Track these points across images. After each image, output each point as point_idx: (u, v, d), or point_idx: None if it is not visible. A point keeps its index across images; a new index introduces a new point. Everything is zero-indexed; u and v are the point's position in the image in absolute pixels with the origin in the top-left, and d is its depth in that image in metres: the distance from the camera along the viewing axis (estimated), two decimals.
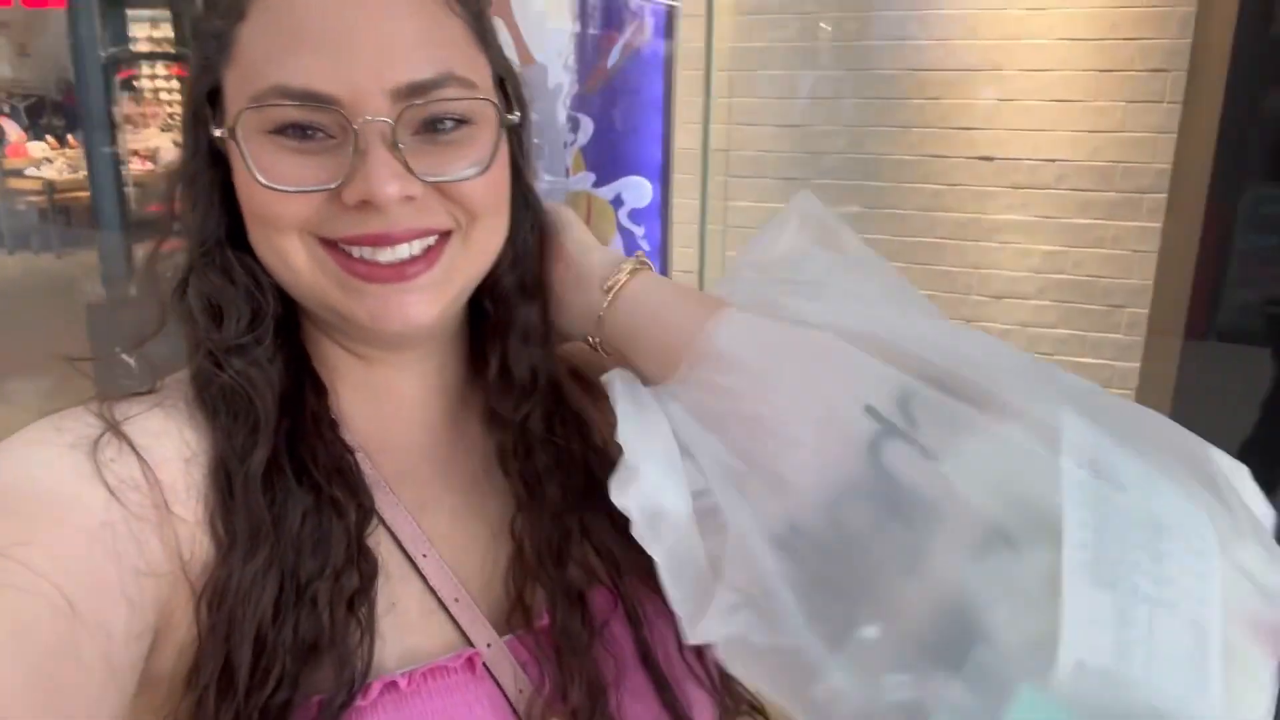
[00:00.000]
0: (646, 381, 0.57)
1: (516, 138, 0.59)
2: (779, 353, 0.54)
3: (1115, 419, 0.48)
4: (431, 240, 0.53)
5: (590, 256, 0.61)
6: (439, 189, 0.52)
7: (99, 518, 0.48)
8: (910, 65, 2.72)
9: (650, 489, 0.51)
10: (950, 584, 0.45)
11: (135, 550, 0.49)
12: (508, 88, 0.58)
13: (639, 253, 0.61)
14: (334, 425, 0.57)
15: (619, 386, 0.55)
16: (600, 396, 0.59)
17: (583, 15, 3.04)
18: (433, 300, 0.54)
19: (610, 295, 0.58)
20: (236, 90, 0.51)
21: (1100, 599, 0.42)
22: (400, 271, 0.52)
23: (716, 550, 0.50)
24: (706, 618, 0.48)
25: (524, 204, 0.60)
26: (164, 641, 0.50)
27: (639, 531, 0.50)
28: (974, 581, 0.45)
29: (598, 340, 0.60)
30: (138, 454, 0.51)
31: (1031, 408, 0.47)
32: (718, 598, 0.48)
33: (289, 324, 0.58)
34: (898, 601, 0.46)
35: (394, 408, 0.60)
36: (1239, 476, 0.47)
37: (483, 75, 0.55)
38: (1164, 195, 2.42)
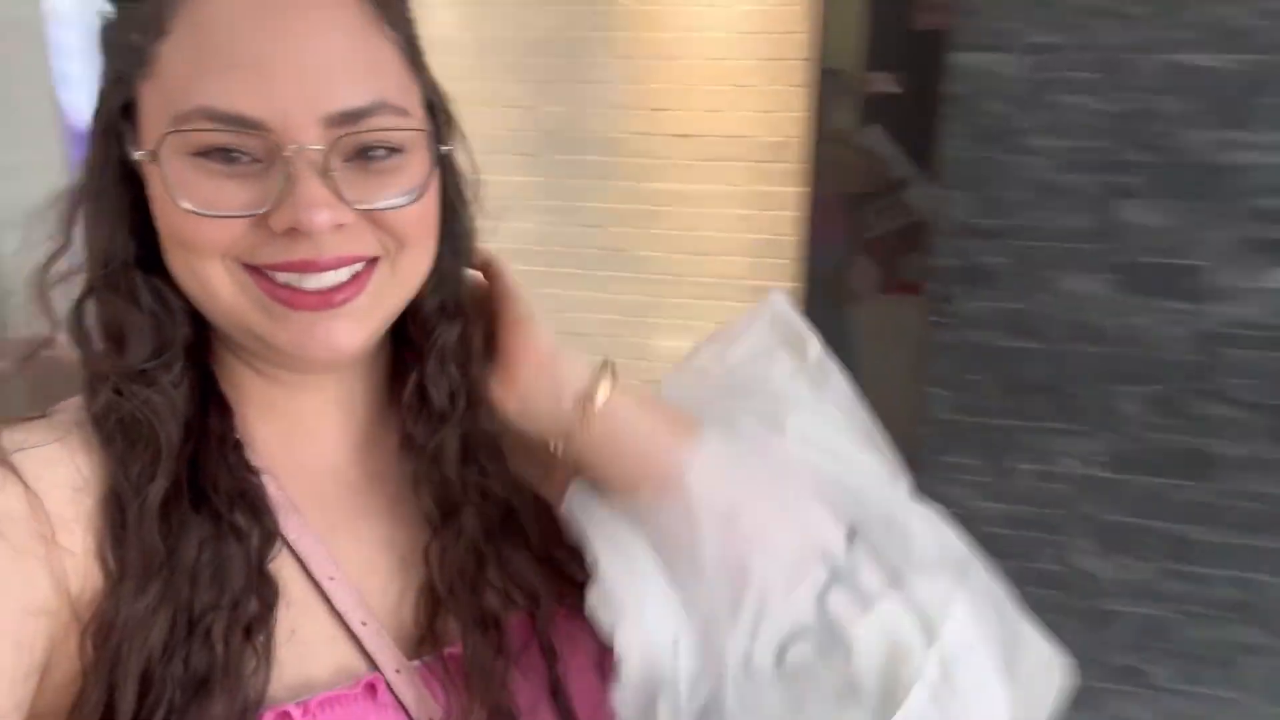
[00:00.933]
0: (605, 494, 0.56)
1: (448, 160, 0.57)
2: (744, 492, 0.55)
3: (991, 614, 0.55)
4: (359, 266, 0.52)
5: (559, 362, 0.57)
6: (370, 216, 0.51)
7: None
8: (618, 54, 3.11)
9: (647, 639, 0.54)
10: None
11: (20, 587, 0.47)
12: (438, 111, 0.56)
13: (606, 361, 0.59)
14: (239, 447, 0.56)
15: (586, 516, 0.56)
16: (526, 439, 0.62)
17: None
18: (359, 327, 0.53)
19: (584, 412, 0.56)
20: (156, 109, 0.49)
21: None
22: (327, 299, 0.51)
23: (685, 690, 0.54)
24: None
25: (452, 225, 0.58)
26: (44, 677, 0.48)
27: (628, 684, 0.53)
28: None
29: (559, 446, 0.57)
30: (23, 483, 0.49)
31: (932, 587, 0.54)
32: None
33: (197, 344, 0.56)
34: None
35: (305, 430, 0.59)
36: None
37: (415, 101, 0.53)
38: None
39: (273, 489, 0.56)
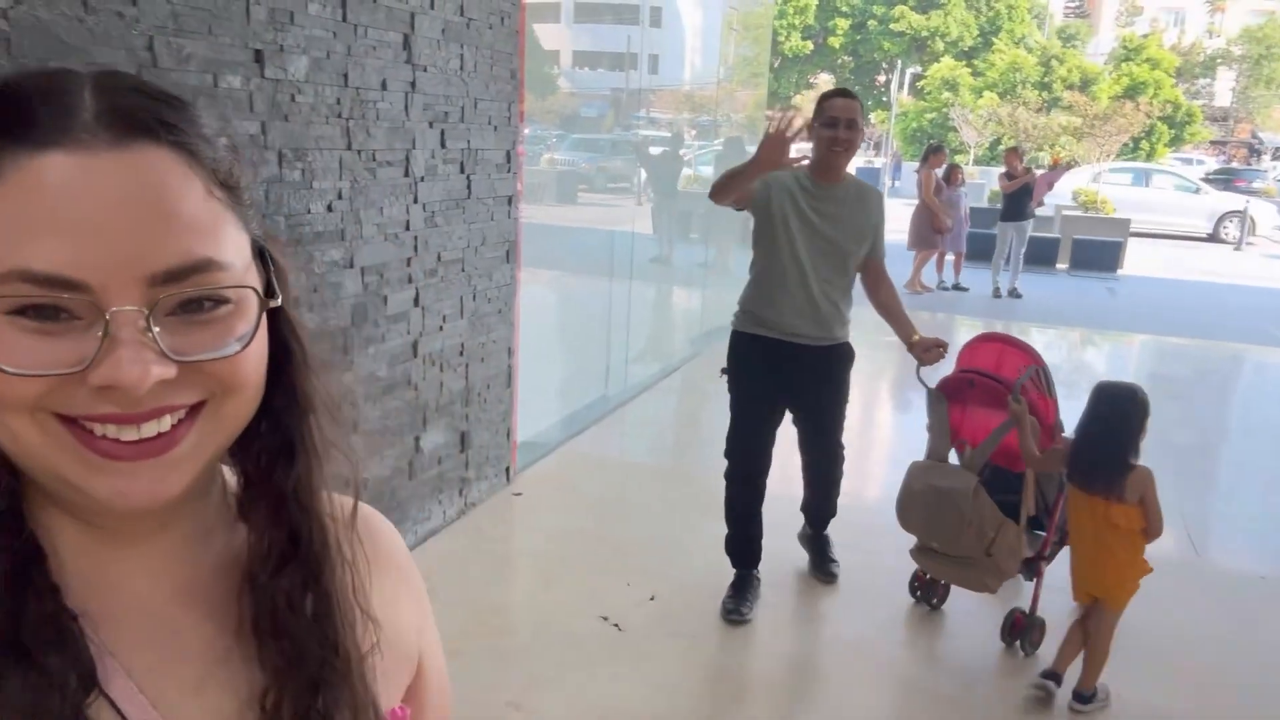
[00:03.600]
0: None
1: (280, 306, 0.57)
2: None
3: None
4: (181, 414, 0.51)
5: None
6: (194, 366, 0.50)
7: None
8: None
9: None
10: None
11: None
12: (269, 260, 0.56)
13: None
14: (55, 591, 0.53)
15: None
16: (381, 564, 0.66)
17: None
18: (182, 475, 0.52)
19: None
20: None
21: None
22: (148, 449, 0.50)
23: None
24: None
25: (284, 369, 0.58)
26: None
27: None
28: None
29: None
30: None
31: None
32: None
33: (9, 488, 0.53)
34: None
35: (122, 573, 0.57)
36: None
37: (241, 253, 0.53)
38: None
39: (91, 633, 0.54)
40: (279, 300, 0.56)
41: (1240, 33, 38.26)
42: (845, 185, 3.26)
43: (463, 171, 3.74)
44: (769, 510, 3.50)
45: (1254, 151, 37.95)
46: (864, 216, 3.26)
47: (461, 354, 3.89)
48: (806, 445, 3.53)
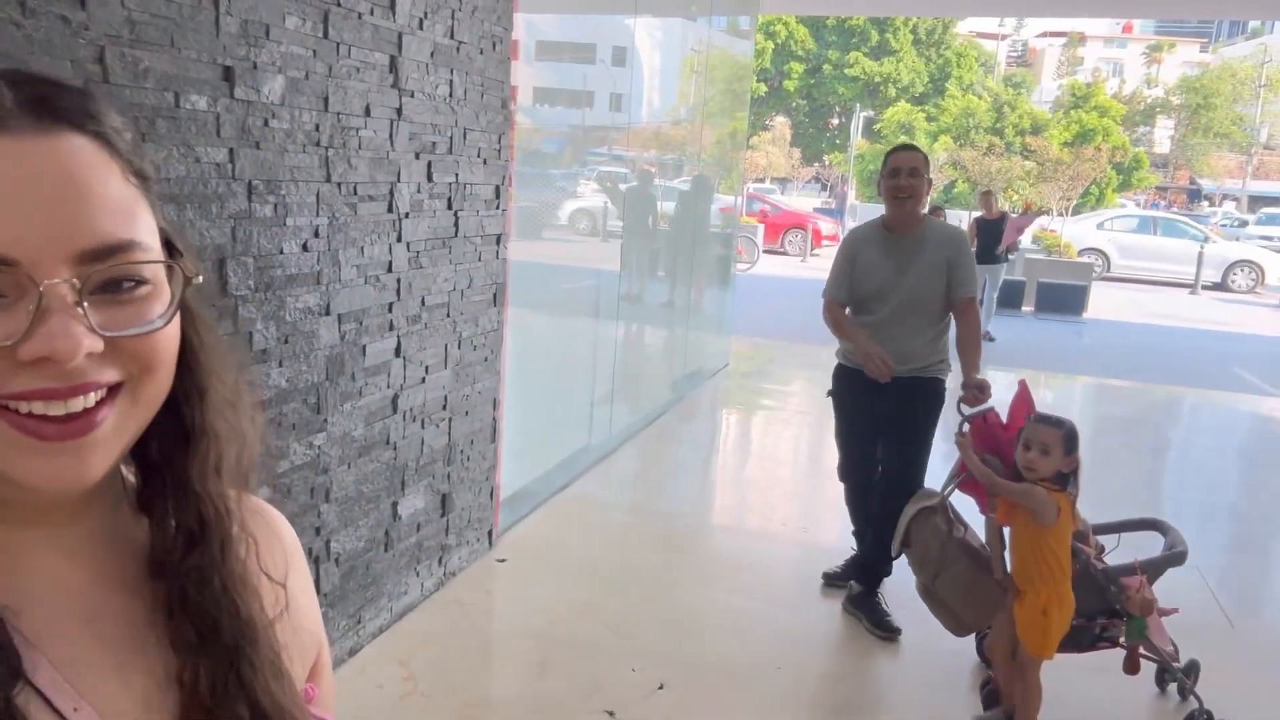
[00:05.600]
0: None
1: (186, 294, 0.58)
2: None
3: None
4: (101, 393, 0.53)
5: None
6: (117, 343, 0.52)
7: None
8: None
9: None
10: None
11: None
12: (175, 249, 0.58)
13: None
14: None
15: None
16: (271, 544, 0.68)
17: None
18: (103, 457, 0.54)
19: None
20: None
21: None
22: (74, 428, 0.52)
23: None
24: None
25: (188, 354, 0.60)
26: None
27: None
28: None
29: None
30: None
31: None
32: None
33: None
34: None
35: (39, 565, 0.58)
36: None
37: (155, 238, 0.56)
38: None
39: (13, 625, 0.54)
40: (200, 278, 0.58)
41: (1178, 82, 39.63)
42: (919, 233, 3.51)
43: (450, 208, 3.40)
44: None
45: (1194, 196, 39.10)
46: (931, 261, 3.48)
47: (444, 408, 3.52)
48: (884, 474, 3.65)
